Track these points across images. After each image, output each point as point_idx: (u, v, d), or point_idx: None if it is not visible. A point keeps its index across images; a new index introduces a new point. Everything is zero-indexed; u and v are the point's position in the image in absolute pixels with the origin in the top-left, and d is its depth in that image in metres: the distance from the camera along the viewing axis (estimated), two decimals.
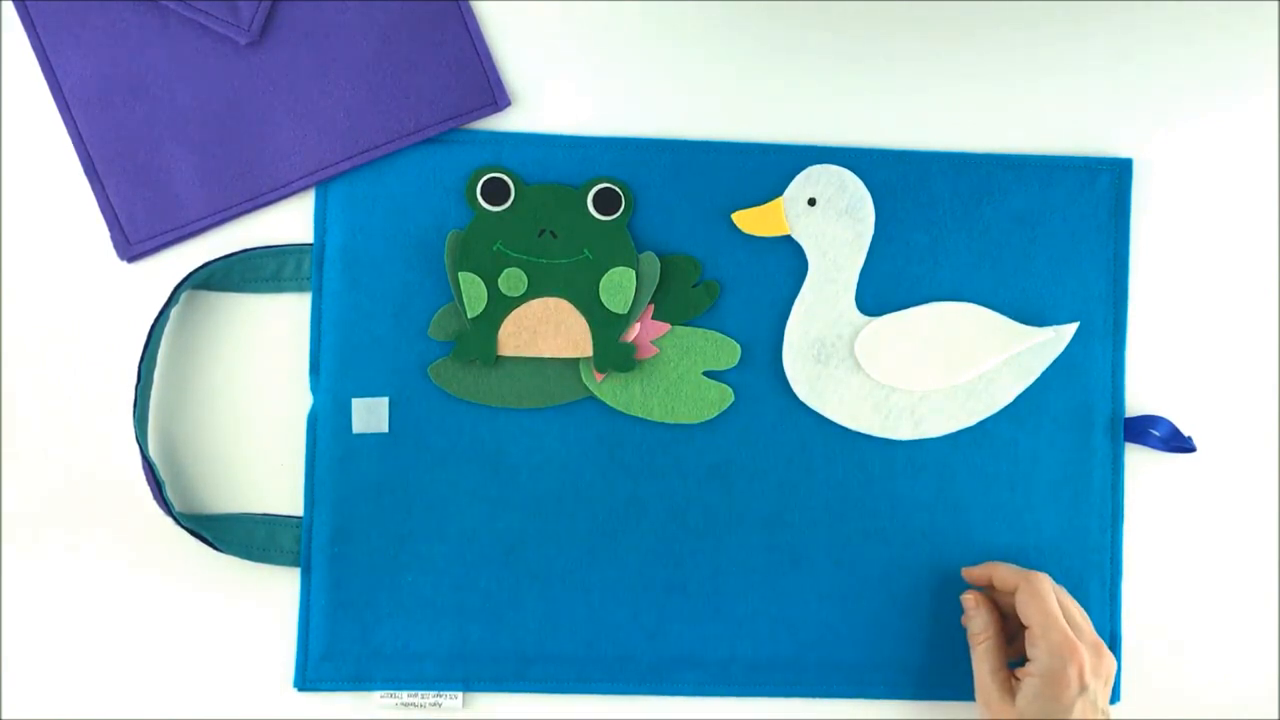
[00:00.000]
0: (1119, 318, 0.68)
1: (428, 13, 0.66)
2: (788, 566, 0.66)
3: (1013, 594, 0.62)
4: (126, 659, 0.66)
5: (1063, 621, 0.59)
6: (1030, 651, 0.60)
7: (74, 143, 0.65)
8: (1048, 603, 0.60)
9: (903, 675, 0.67)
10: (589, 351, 0.65)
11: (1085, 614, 0.62)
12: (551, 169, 0.66)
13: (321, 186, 0.66)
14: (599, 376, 0.66)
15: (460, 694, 0.66)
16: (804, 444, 0.67)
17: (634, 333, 0.66)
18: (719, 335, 0.66)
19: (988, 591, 0.64)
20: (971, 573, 0.65)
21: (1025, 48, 0.68)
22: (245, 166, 0.66)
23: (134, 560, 0.66)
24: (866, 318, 0.66)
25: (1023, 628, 0.61)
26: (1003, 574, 0.63)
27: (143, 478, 0.65)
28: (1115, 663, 0.60)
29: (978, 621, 0.63)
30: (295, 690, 0.66)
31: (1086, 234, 0.67)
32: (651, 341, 0.66)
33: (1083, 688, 0.58)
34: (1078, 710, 0.58)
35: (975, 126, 0.68)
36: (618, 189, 0.66)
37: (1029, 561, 0.67)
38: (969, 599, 0.64)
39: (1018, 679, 0.60)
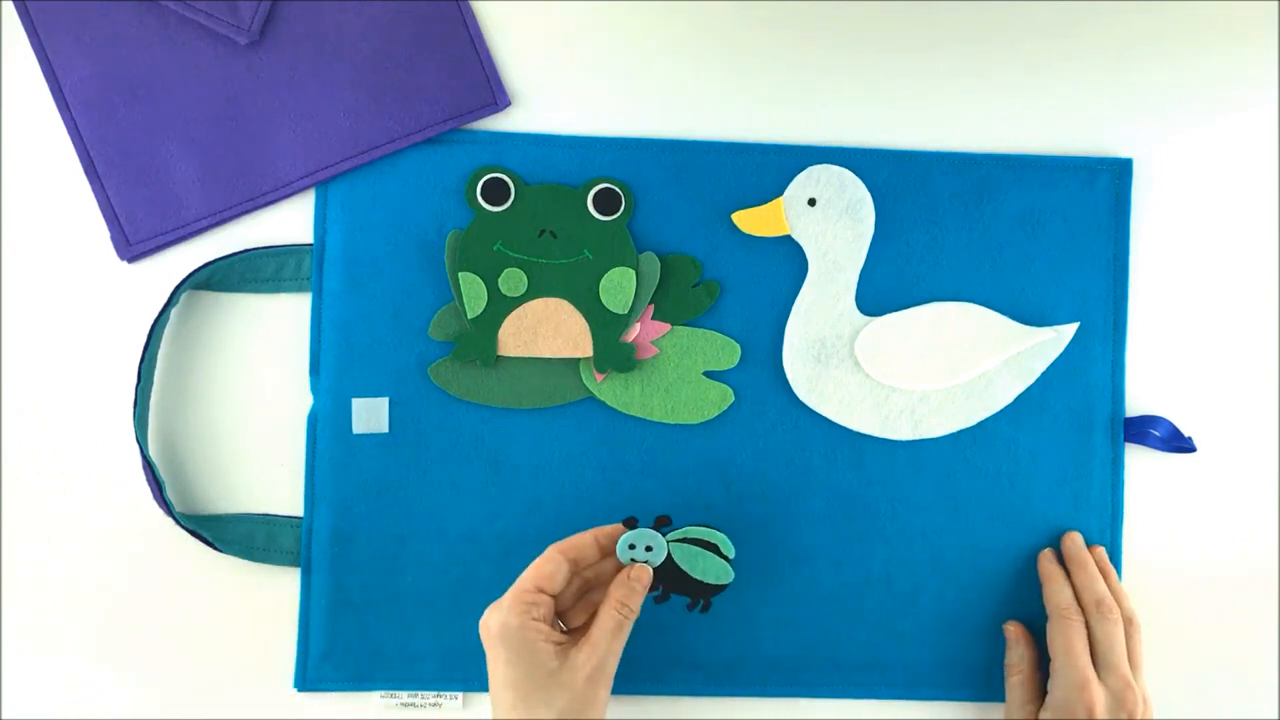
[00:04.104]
0: (1119, 318, 0.68)
1: (428, 13, 0.66)
2: (788, 566, 0.66)
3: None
4: (127, 659, 0.66)
5: (1083, 659, 0.61)
6: (1049, 684, 0.62)
7: (74, 143, 0.65)
8: (1070, 639, 0.61)
9: (903, 675, 0.67)
10: (589, 351, 0.65)
11: (1139, 658, 0.62)
12: (551, 169, 0.66)
13: (321, 186, 0.66)
14: (599, 376, 0.66)
15: (460, 694, 0.66)
16: (804, 444, 0.67)
17: (634, 333, 0.66)
18: (719, 335, 0.66)
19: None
20: (1058, 559, 0.65)
21: (1026, 48, 0.68)
22: (245, 166, 0.66)
23: (134, 560, 0.66)
24: (866, 318, 0.66)
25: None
26: (1056, 589, 0.64)
27: (143, 478, 0.65)
28: (1145, 706, 0.61)
29: (1015, 653, 0.65)
30: (295, 690, 0.66)
31: (1086, 234, 0.67)
32: (651, 341, 0.66)
33: None
34: None
35: (975, 126, 0.68)
36: (618, 189, 0.66)
37: (1029, 561, 0.67)
38: (1010, 630, 0.65)
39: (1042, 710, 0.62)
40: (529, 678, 0.56)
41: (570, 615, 0.61)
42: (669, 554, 0.60)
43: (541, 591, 0.58)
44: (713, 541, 0.60)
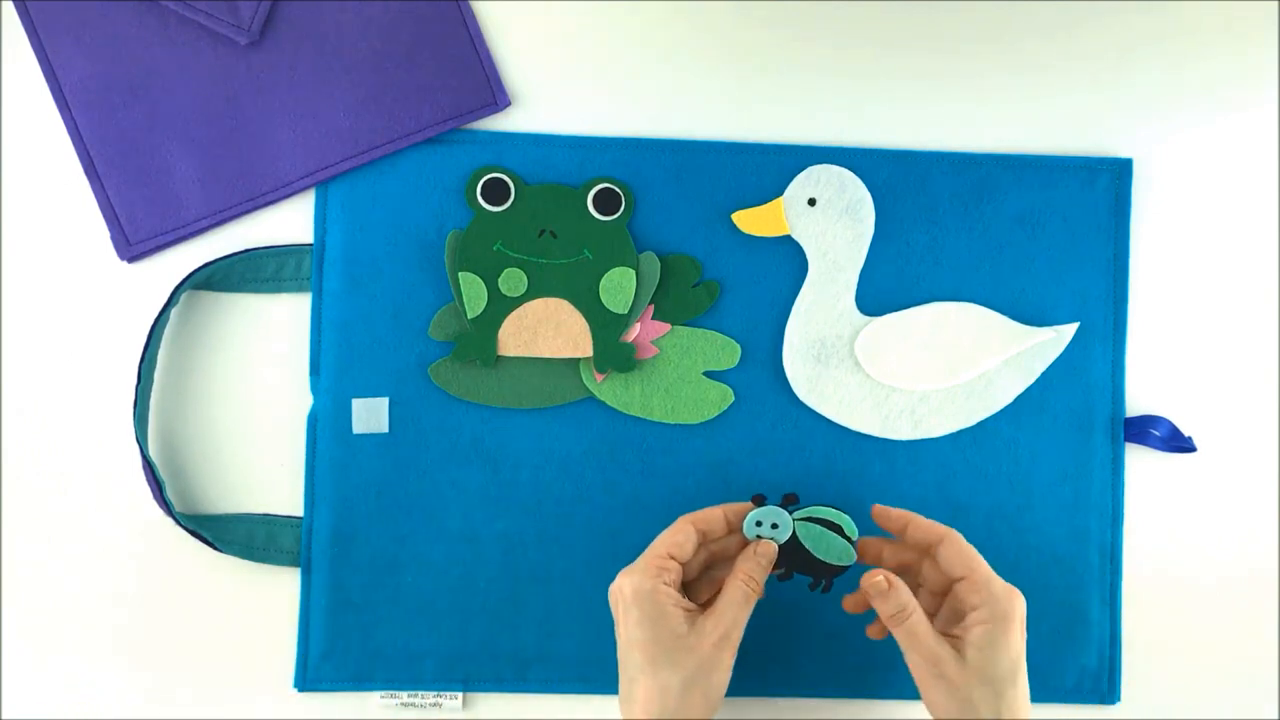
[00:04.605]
0: (1119, 318, 0.68)
1: (428, 13, 0.66)
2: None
3: (918, 549, 0.61)
4: (127, 659, 0.66)
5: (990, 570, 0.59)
6: (972, 599, 0.58)
7: (74, 143, 0.65)
8: (977, 554, 0.59)
9: (903, 675, 0.66)
10: (589, 351, 0.65)
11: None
12: (551, 169, 0.66)
13: (321, 186, 0.66)
14: (599, 376, 0.66)
15: (460, 694, 0.66)
16: (804, 444, 0.67)
17: (634, 333, 0.66)
18: (719, 335, 0.66)
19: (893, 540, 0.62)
20: (888, 514, 0.62)
21: (1026, 48, 0.68)
22: (245, 166, 0.66)
23: (134, 560, 0.66)
24: (866, 318, 0.66)
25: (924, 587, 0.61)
26: (920, 526, 0.60)
27: (143, 478, 0.65)
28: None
29: (899, 598, 0.59)
30: (295, 690, 0.66)
31: (1086, 234, 0.67)
32: (651, 341, 0.66)
33: (1023, 633, 0.58)
34: (1023, 655, 0.58)
35: (975, 126, 0.68)
36: (618, 189, 0.66)
37: (1029, 561, 0.67)
38: (880, 580, 0.59)
39: (956, 635, 0.58)
40: (657, 640, 0.57)
41: (694, 589, 0.61)
42: (794, 533, 0.61)
43: (672, 558, 0.59)
44: (837, 522, 0.61)
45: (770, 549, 0.60)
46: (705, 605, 0.60)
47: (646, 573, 0.58)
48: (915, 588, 0.61)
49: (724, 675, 0.58)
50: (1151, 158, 0.68)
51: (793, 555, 0.61)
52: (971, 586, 0.58)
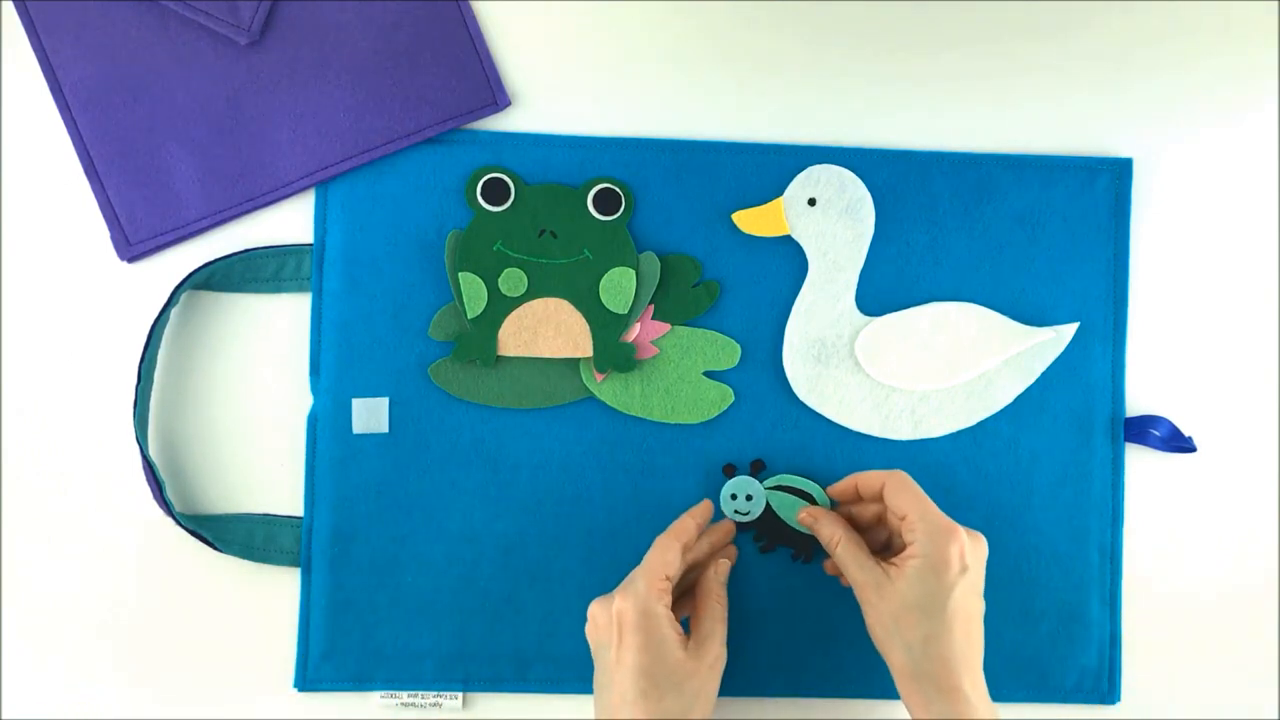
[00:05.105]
0: (1119, 318, 0.68)
1: (428, 13, 0.66)
2: (788, 566, 0.66)
3: (876, 499, 0.62)
4: (127, 659, 0.66)
5: (937, 507, 0.60)
6: (909, 537, 0.59)
7: (74, 143, 0.65)
8: (919, 491, 0.60)
9: None
10: (589, 351, 0.65)
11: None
12: (551, 169, 0.66)
13: (321, 186, 0.66)
14: (599, 376, 0.66)
15: (460, 694, 0.66)
16: (804, 444, 0.67)
17: (634, 333, 0.66)
18: (719, 335, 0.66)
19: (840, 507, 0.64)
20: (835, 488, 0.64)
21: (1026, 48, 0.68)
22: (245, 166, 0.66)
23: (134, 560, 0.66)
24: (866, 318, 0.66)
25: (877, 530, 0.63)
26: (866, 478, 0.62)
27: (143, 478, 0.65)
28: (987, 547, 0.60)
29: (826, 528, 0.62)
30: (295, 690, 0.66)
31: (1086, 234, 0.68)
32: (651, 341, 0.66)
33: (964, 568, 0.58)
34: (959, 590, 0.58)
35: (975, 126, 0.68)
36: (618, 189, 0.66)
37: (1029, 561, 0.67)
38: (804, 515, 0.63)
39: (893, 565, 0.59)
40: (660, 663, 0.57)
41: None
42: (768, 504, 0.63)
43: (668, 579, 0.59)
44: (808, 491, 0.63)
45: (724, 567, 0.62)
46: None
47: (652, 595, 0.58)
48: (887, 536, 0.63)
49: (714, 697, 0.59)
50: (1151, 158, 0.68)
51: (770, 527, 0.63)
52: (909, 525, 0.59)
